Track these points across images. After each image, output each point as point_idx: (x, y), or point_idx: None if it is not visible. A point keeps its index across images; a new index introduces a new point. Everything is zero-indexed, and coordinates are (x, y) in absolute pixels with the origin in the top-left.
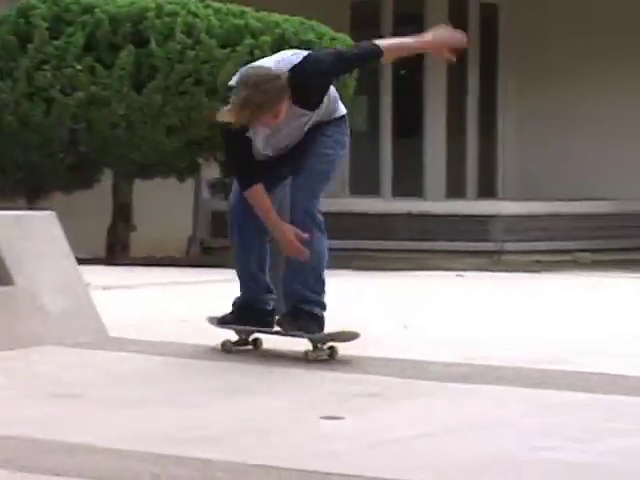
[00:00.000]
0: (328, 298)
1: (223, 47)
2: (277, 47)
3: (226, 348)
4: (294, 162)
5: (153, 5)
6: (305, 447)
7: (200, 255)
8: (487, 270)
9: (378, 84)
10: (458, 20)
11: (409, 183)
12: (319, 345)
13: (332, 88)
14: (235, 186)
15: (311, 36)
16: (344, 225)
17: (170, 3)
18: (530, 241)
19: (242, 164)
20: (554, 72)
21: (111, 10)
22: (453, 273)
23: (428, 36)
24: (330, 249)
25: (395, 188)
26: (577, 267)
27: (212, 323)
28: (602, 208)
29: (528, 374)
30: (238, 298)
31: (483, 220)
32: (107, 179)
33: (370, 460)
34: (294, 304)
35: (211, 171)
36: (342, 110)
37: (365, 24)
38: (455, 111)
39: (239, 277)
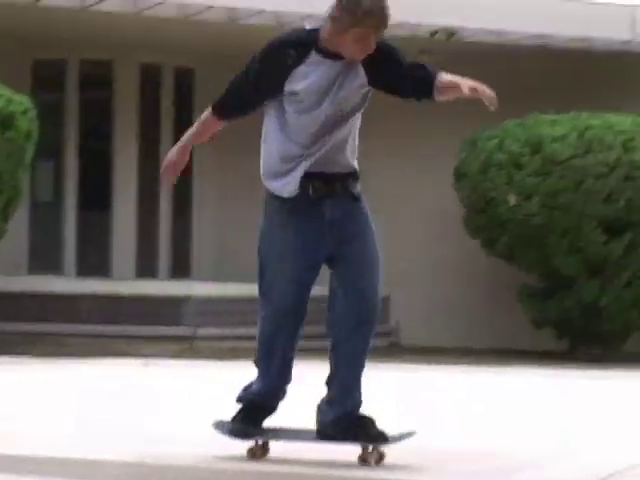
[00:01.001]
0: None
1: None
2: None
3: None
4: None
5: None
6: None
7: None
8: (179, 357)
9: (63, 148)
10: (150, 85)
11: (95, 261)
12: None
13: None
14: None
15: None
16: (24, 306)
17: None
18: (226, 326)
19: (240, 88)
20: (248, 147)
21: None
22: (140, 361)
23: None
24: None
25: (80, 266)
26: None
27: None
28: None
29: None
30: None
31: (175, 302)
32: None
33: None
34: (354, 409)
35: None
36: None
37: (49, 85)
38: (147, 183)
39: (266, 357)
